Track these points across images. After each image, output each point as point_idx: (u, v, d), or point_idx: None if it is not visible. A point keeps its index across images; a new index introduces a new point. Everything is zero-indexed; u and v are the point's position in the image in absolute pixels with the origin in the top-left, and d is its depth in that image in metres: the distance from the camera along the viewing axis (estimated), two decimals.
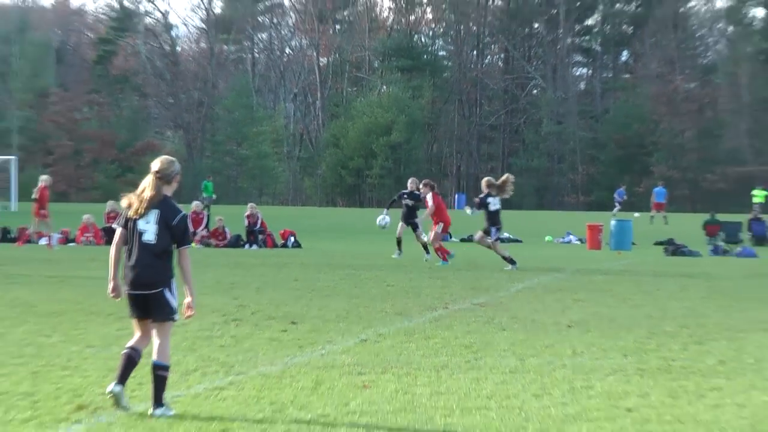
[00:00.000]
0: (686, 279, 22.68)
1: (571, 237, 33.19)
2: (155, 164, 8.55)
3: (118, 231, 8.50)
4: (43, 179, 31.51)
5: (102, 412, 8.69)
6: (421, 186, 25.38)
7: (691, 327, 14.81)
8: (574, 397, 9.73)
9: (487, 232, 23.99)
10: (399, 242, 25.88)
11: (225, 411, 8.97)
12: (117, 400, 8.09)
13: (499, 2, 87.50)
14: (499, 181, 23.99)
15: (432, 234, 24.65)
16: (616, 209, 51.19)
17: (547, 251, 30.87)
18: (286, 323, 14.33)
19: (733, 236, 33.63)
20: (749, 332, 13.98)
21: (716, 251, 30.78)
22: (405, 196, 26.21)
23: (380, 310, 15.78)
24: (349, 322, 14.46)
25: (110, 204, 31.88)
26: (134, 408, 9.02)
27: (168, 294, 8.27)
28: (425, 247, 25.39)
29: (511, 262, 23.20)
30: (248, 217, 31.85)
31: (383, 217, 26.61)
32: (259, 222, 31.92)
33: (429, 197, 24.69)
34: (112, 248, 8.57)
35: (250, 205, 33.73)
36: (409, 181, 26.36)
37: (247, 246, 31.07)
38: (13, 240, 31.41)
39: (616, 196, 55.59)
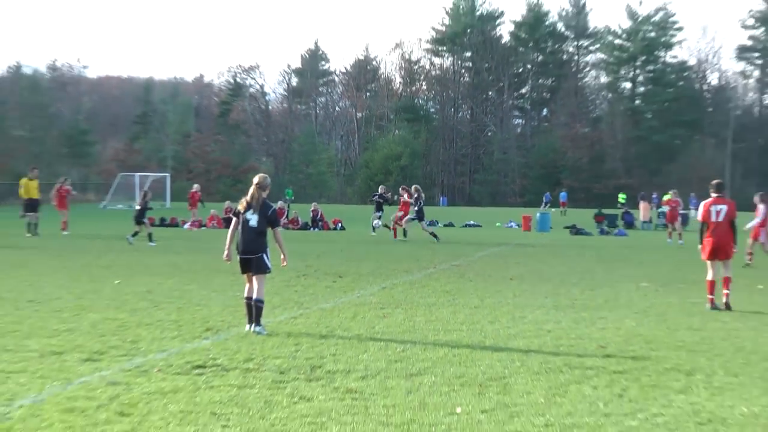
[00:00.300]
0: (583, 249, 24.74)
1: (512, 223, 36.48)
2: (256, 178, 9.87)
3: (234, 220, 9.81)
4: (195, 187, 36.18)
5: (221, 333, 9.63)
6: (400, 189, 27.46)
7: (586, 279, 16.01)
8: (514, 323, 10.67)
9: (420, 219, 26.60)
10: (386, 226, 28.78)
11: (297, 331, 9.78)
12: (258, 333, 9.31)
13: (467, 79, 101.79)
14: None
15: (401, 218, 26.87)
16: (542, 206, 59.83)
17: (498, 232, 35.16)
18: (335, 277, 15.53)
19: (612, 223, 38.14)
20: (622, 282, 15.40)
21: (602, 232, 34.75)
22: (376, 196, 29.36)
23: (393, 269, 17.13)
24: (375, 276, 15.78)
25: (227, 203, 35.87)
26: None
27: (265, 257, 9.58)
28: (387, 227, 28.49)
29: (435, 237, 25.91)
30: (312, 211, 34.77)
31: (377, 222, 28.95)
32: (319, 214, 34.54)
33: (405, 196, 26.59)
34: (230, 230, 9.80)
35: (313, 203, 37.11)
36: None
37: (311, 229, 33.49)
38: (168, 225, 34.47)
39: (544, 198, 62.83)
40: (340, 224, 33.97)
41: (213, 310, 11.12)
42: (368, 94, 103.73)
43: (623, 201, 49.76)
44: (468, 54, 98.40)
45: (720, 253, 11.92)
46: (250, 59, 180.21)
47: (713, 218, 11.98)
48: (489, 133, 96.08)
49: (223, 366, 7.63)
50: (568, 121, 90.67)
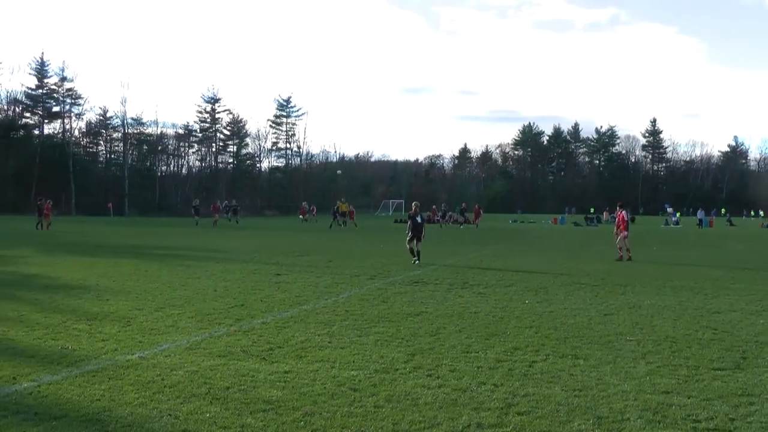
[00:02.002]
0: None
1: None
2: (417, 203, 21.10)
3: (409, 221, 20.96)
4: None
5: (427, 267, 18.11)
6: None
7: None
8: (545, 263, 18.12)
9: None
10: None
11: (459, 265, 19.30)
12: (416, 265, 19.82)
13: None
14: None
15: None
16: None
17: None
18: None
19: None
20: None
21: None
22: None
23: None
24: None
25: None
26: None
27: (422, 235, 20.32)
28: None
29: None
30: None
31: None
32: None
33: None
34: (409, 225, 20.91)
35: None
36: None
37: None
38: None
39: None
40: None
41: (426, 254, 20.70)
42: None
43: None
44: None
45: None
46: None
47: None
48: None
49: (425, 282, 17.13)
50: None
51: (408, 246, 22.77)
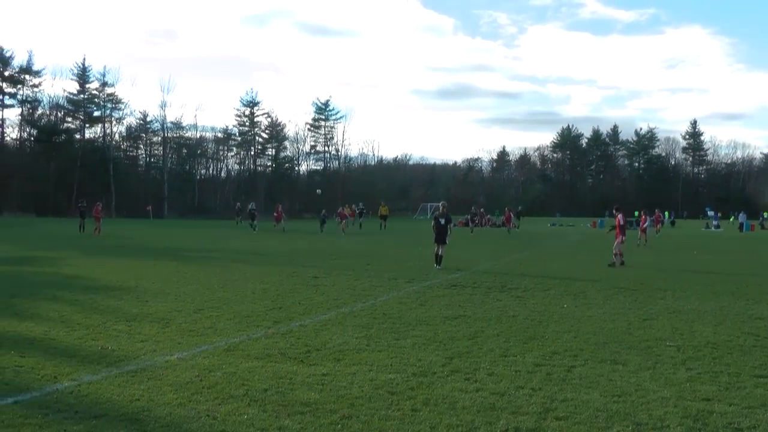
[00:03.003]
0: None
1: None
2: (443, 204, 21.04)
3: (433, 222, 20.76)
4: None
5: (464, 270, 18.06)
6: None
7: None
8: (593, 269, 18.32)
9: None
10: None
11: (497, 270, 19.63)
12: (437, 267, 20.08)
13: None
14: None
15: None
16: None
17: None
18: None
19: None
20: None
21: None
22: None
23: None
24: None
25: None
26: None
27: (447, 239, 20.01)
28: None
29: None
30: None
31: None
32: None
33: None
34: (433, 226, 21.03)
35: None
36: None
37: None
38: None
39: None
40: None
41: (463, 258, 20.64)
42: None
43: None
44: None
45: None
46: None
47: None
48: None
49: (463, 285, 17.12)
50: None
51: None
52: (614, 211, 25.67)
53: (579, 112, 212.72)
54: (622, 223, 24.78)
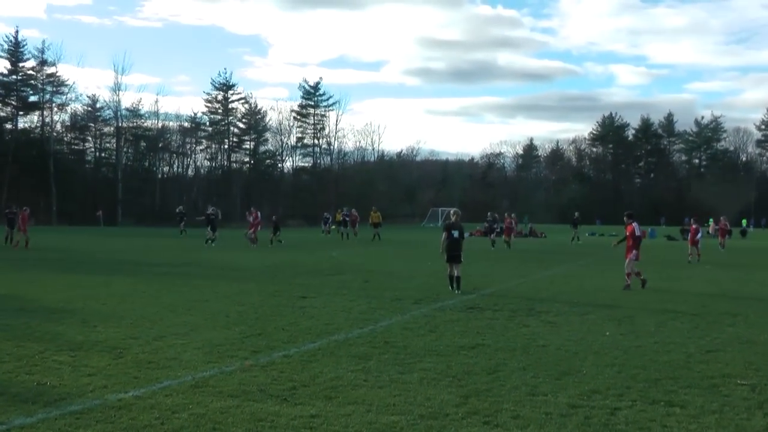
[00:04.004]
0: None
1: None
2: (455, 211, 21.00)
3: (444, 233, 20.37)
4: None
5: (480, 290, 18.32)
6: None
7: None
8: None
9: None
10: None
11: (520, 294, 19.84)
12: (455, 292, 19.75)
13: None
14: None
15: None
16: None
17: None
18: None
19: None
20: None
21: None
22: None
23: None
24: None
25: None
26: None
27: (461, 255, 19.87)
28: None
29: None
30: None
31: None
32: None
33: None
34: (443, 240, 20.41)
35: None
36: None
37: None
38: None
39: None
40: None
41: (475, 276, 20.73)
42: None
43: None
44: None
45: None
46: None
47: None
48: None
49: (481, 308, 17.14)
50: None
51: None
52: (625, 218, 24.41)
53: (624, 97, 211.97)
54: (637, 233, 23.45)
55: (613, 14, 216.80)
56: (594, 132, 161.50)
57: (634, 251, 23.11)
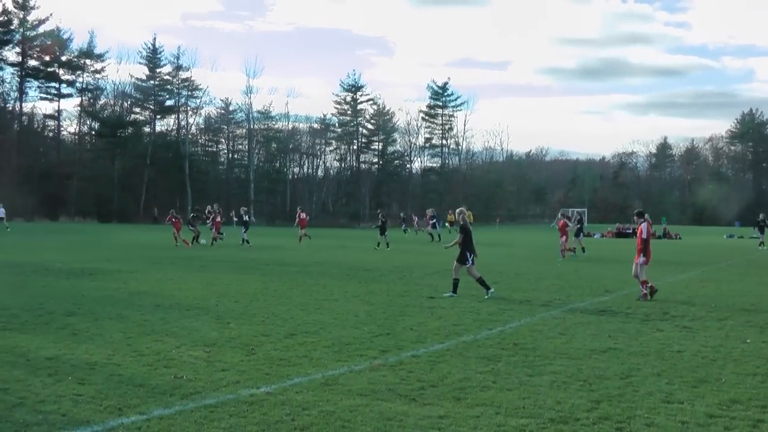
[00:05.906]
0: None
1: None
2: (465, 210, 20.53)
3: (459, 235, 20.07)
4: None
5: (613, 292, 18.03)
6: None
7: None
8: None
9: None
10: None
11: (658, 297, 18.63)
12: (489, 296, 19.19)
13: None
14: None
15: None
16: None
17: None
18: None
19: None
20: None
21: None
22: None
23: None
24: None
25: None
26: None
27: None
28: None
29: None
30: None
31: None
32: None
33: None
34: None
35: None
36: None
37: None
38: None
39: None
40: None
41: (610, 279, 20.27)
42: None
43: None
44: None
45: None
46: None
47: None
48: None
49: (614, 311, 16.85)
50: None
51: (475, 275, 20.11)
52: (635, 218, 21.88)
53: (765, 92, 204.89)
54: (644, 236, 20.52)
55: (752, 5, 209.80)
56: (732, 129, 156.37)
57: (642, 256, 20.31)
